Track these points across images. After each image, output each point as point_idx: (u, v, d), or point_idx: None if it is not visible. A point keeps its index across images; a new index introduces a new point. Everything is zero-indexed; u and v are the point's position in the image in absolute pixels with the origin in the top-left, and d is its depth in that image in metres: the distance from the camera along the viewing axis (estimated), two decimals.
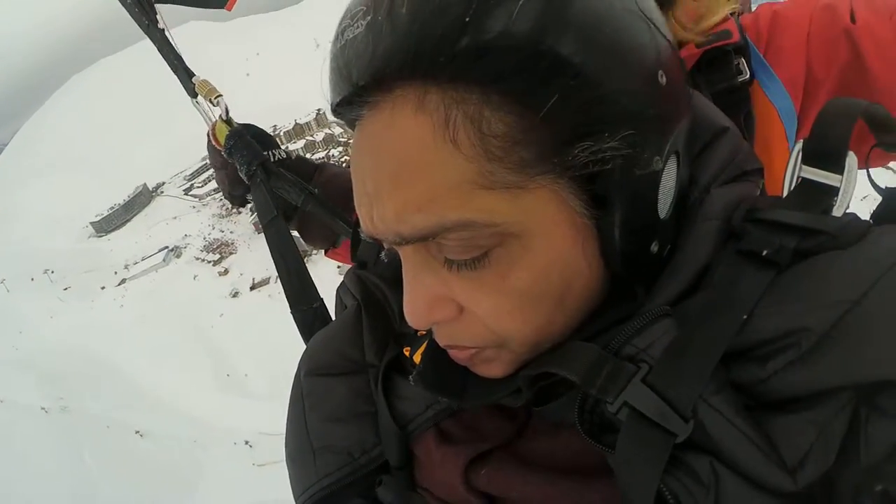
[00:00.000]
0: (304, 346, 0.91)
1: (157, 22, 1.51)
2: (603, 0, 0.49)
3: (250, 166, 1.38)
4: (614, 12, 0.50)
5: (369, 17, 0.48)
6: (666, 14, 0.95)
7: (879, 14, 0.98)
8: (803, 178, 0.58)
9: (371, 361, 0.76)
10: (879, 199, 0.60)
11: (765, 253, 0.52)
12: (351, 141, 0.57)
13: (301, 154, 1.45)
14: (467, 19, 0.44)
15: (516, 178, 0.49)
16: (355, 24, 0.49)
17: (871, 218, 0.57)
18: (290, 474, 0.76)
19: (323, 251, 1.60)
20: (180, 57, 1.53)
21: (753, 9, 1.21)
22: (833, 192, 0.56)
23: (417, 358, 0.69)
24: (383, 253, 0.86)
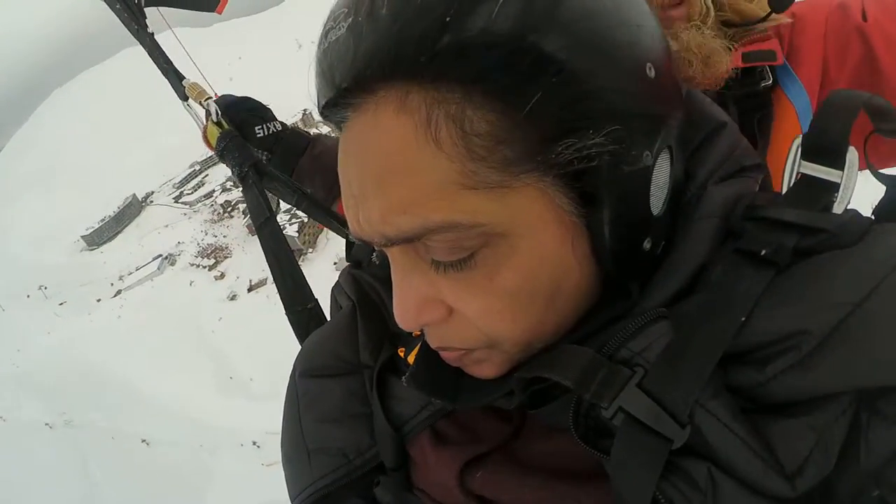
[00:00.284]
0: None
1: (146, 26, 1.52)
2: None
3: (242, 168, 1.38)
4: (598, 7, 0.48)
5: (350, 19, 0.47)
6: None
7: (889, 11, 0.99)
8: (803, 175, 0.58)
9: (366, 362, 0.75)
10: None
11: (763, 252, 0.51)
12: None
13: (299, 130, 1.51)
14: (448, 18, 0.44)
15: (500, 177, 0.48)
16: (338, 27, 0.49)
17: (872, 213, 0.56)
18: (286, 475, 0.75)
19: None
20: (170, 60, 1.53)
21: None
22: (834, 188, 0.55)
23: (412, 359, 0.68)
24: (374, 255, 0.86)
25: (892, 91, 0.98)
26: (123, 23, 1.52)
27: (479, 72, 0.45)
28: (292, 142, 1.49)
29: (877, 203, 0.56)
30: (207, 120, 1.46)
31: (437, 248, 0.51)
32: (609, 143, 0.48)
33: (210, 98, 1.45)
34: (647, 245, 0.55)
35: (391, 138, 0.48)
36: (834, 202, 0.55)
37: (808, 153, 0.57)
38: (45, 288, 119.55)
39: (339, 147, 0.55)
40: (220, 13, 1.56)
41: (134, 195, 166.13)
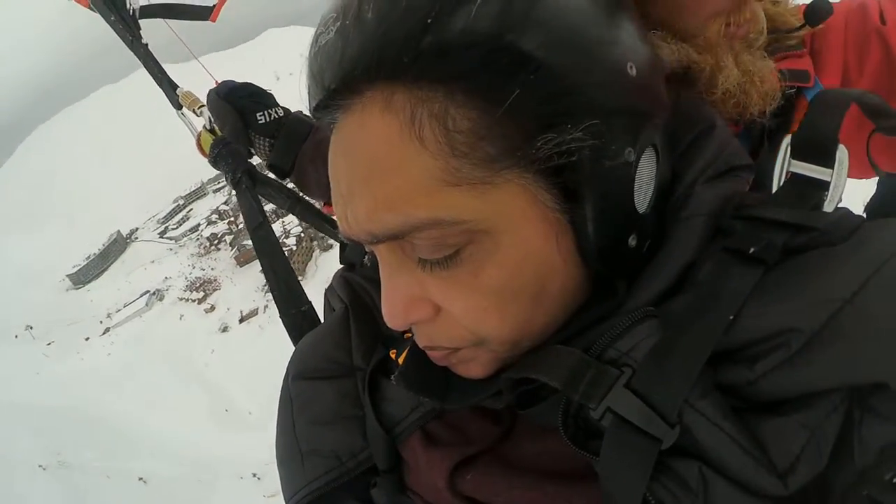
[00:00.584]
0: None
1: (140, 37, 1.54)
2: None
3: (235, 174, 1.39)
4: (576, 6, 0.49)
5: (339, 23, 0.49)
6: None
7: None
8: (793, 173, 0.58)
9: (358, 364, 0.76)
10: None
11: (752, 250, 0.51)
12: None
13: (301, 116, 1.49)
14: (429, 20, 0.45)
15: (482, 173, 0.48)
16: (328, 31, 0.50)
17: (864, 210, 0.55)
18: (280, 477, 0.76)
19: (323, 203, 1.63)
20: (164, 70, 1.58)
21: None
22: (824, 186, 0.56)
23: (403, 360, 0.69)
24: (366, 257, 0.87)
25: None
26: (118, 34, 1.54)
27: (460, 71, 0.46)
28: (295, 128, 1.46)
29: (868, 201, 0.57)
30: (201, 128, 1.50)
31: (423, 246, 0.52)
32: (589, 137, 0.48)
33: (203, 106, 1.47)
34: (632, 242, 0.55)
35: (377, 137, 0.49)
36: (824, 201, 0.56)
37: (798, 152, 0.58)
38: (32, 328, 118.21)
39: (330, 147, 0.56)
40: (213, 21, 1.57)
41: (118, 232, 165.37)
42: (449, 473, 0.62)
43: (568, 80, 0.48)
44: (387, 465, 0.69)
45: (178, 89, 1.53)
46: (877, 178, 0.96)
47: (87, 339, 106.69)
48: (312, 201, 1.54)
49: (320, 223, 1.46)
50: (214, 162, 1.42)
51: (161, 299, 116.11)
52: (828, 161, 0.56)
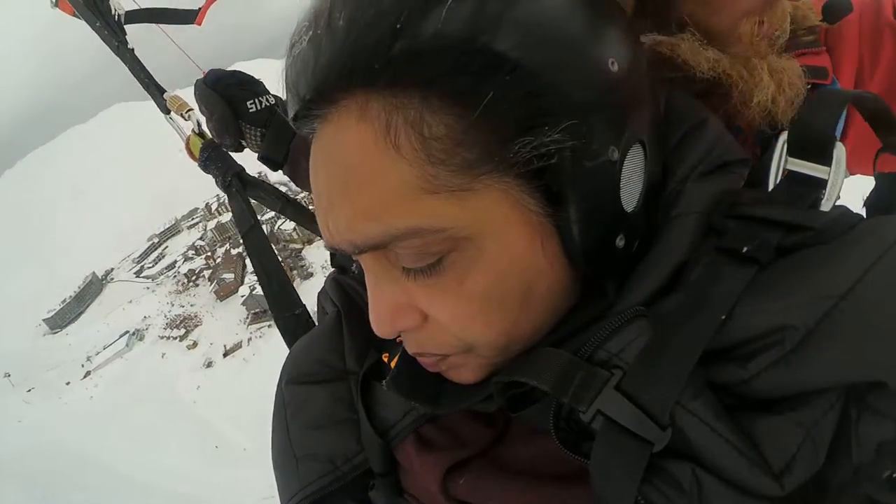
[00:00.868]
0: None
1: (126, 42, 1.52)
2: None
3: (225, 177, 1.38)
4: (551, 4, 0.49)
5: (311, 32, 0.49)
6: None
7: None
8: (789, 171, 0.57)
9: (351, 368, 0.75)
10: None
11: (745, 249, 0.51)
12: None
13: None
14: (399, 25, 0.44)
15: (461, 180, 0.47)
16: (301, 40, 0.50)
17: (864, 205, 0.56)
18: (276, 482, 0.76)
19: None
20: (151, 75, 1.54)
21: None
22: (821, 184, 0.55)
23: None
24: (355, 265, 0.87)
25: None
26: (103, 40, 1.53)
27: (433, 75, 0.45)
28: (288, 122, 1.53)
29: (866, 198, 0.57)
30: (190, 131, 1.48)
31: (405, 255, 0.51)
32: (568, 138, 0.47)
33: (192, 110, 1.46)
34: (620, 242, 0.54)
35: (353, 147, 0.48)
36: (822, 199, 0.55)
37: (794, 149, 0.57)
38: (10, 375, 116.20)
39: (310, 158, 0.55)
40: (199, 25, 1.55)
41: (93, 273, 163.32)
42: (442, 477, 0.62)
43: (543, 80, 0.47)
44: (382, 468, 0.69)
45: (166, 94, 1.52)
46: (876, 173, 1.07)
47: (67, 383, 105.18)
48: (304, 202, 1.53)
49: (311, 225, 1.40)
50: (204, 165, 1.42)
51: (141, 339, 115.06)
52: (825, 159, 0.55)
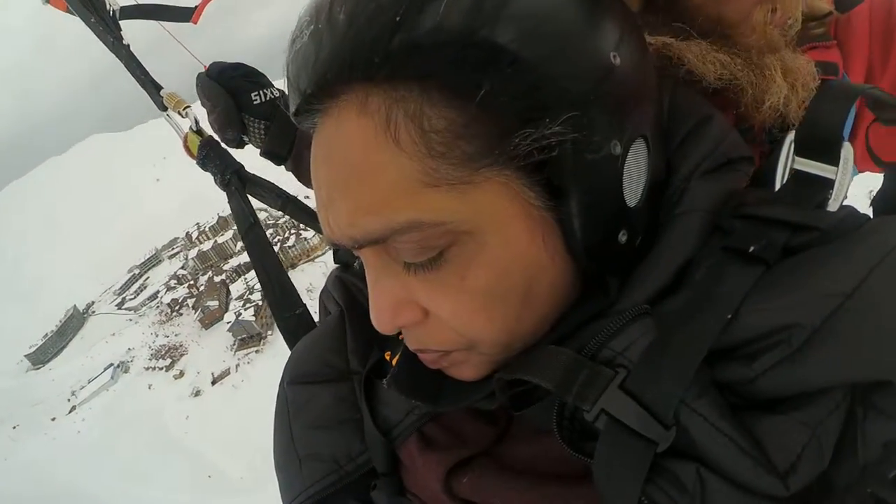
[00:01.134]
0: None
1: (121, 38, 1.49)
2: None
3: (224, 175, 1.35)
4: None
5: (312, 27, 0.49)
6: None
7: None
8: (796, 171, 0.57)
9: (354, 368, 0.75)
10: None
11: (751, 249, 0.51)
12: None
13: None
14: (398, 19, 0.45)
15: (461, 173, 0.48)
16: (302, 35, 0.50)
17: (871, 204, 0.57)
18: (278, 482, 0.76)
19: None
20: (147, 72, 1.50)
21: None
22: (828, 184, 0.54)
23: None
24: (357, 262, 0.87)
25: None
26: (98, 36, 1.50)
27: (433, 68, 0.46)
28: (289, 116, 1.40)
29: (873, 197, 0.58)
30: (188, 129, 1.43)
31: (406, 249, 0.51)
32: (568, 131, 0.48)
33: (188, 107, 1.42)
34: (622, 238, 0.54)
35: (354, 141, 0.49)
36: (829, 199, 0.54)
37: (802, 148, 0.57)
38: None
39: (311, 152, 0.55)
40: (195, 23, 1.50)
41: (74, 307, 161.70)
42: (445, 476, 0.62)
43: (542, 72, 0.47)
44: (385, 468, 0.68)
45: (163, 90, 1.47)
46: (883, 172, 1.01)
47: (53, 419, 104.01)
48: (306, 200, 1.43)
49: (312, 222, 1.39)
50: (203, 163, 1.40)
51: (126, 371, 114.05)
52: (832, 158, 0.54)
